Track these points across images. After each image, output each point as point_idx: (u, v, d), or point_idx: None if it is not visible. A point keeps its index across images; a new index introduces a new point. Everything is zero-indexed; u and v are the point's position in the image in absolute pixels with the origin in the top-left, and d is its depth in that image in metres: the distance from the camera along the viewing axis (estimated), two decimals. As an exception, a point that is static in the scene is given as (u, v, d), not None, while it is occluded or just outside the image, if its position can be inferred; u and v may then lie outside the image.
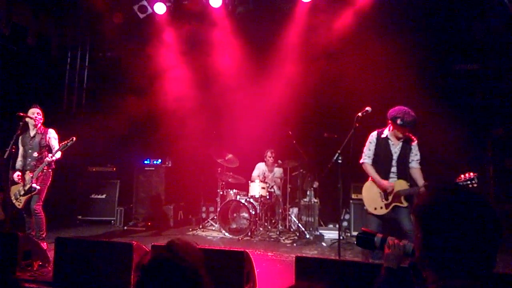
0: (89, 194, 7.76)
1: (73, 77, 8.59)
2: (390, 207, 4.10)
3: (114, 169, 8.04)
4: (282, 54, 7.47)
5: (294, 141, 6.54)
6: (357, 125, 4.21)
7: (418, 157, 4.29)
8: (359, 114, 4.25)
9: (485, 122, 7.08)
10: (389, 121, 4.18)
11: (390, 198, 4.13)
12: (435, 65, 7.18)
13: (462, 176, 3.73)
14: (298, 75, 7.11)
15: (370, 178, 4.35)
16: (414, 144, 4.28)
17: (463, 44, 7.06)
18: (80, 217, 7.65)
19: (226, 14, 7.66)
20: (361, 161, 4.40)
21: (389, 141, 4.28)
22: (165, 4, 7.54)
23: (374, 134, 4.39)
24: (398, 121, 4.04)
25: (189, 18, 7.77)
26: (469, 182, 3.68)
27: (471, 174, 3.67)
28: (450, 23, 6.94)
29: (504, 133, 6.80)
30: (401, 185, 4.13)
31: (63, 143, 4.96)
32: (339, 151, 4.30)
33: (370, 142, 4.38)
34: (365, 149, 4.39)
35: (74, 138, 4.88)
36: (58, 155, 5.07)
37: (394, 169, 4.24)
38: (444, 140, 6.35)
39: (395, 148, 4.27)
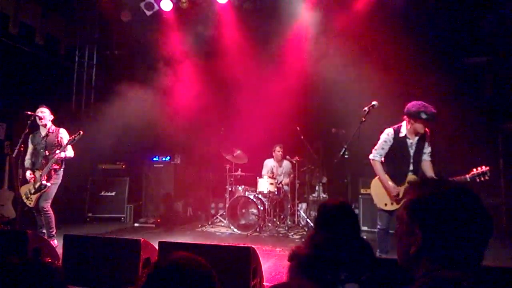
0: (99, 192, 7.84)
1: (82, 76, 8.66)
2: (402, 202, 4.00)
3: (124, 166, 8.10)
4: (290, 49, 7.42)
5: (302, 137, 6.51)
6: (364, 119, 4.19)
7: (429, 149, 4.28)
8: (366, 108, 4.22)
9: (495, 116, 6.95)
10: (409, 117, 4.06)
11: (401, 194, 4.08)
12: (444, 59, 7.06)
13: (475, 170, 3.73)
14: (306, 70, 7.07)
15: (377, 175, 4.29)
16: (427, 137, 4.24)
17: (472, 37, 6.93)
18: (90, 214, 7.73)
19: (232, 9, 7.65)
20: (371, 156, 4.31)
21: (408, 140, 4.18)
22: (172, 1, 7.55)
23: (391, 133, 4.24)
24: (423, 116, 3.90)
25: (196, 14, 7.76)
26: (481, 175, 3.70)
27: (484, 167, 3.66)
28: (459, 16, 6.82)
29: (514, 127, 6.68)
30: (413, 180, 4.07)
31: (70, 137, 5.00)
32: (345, 146, 4.28)
33: (385, 141, 4.24)
34: (378, 147, 4.28)
35: (82, 132, 4.92)
36: (70, 153, 5.12)
37: (411, 167, 4.19)
38: (455, 134, 6.27)
39: (413, 146, 4.19)
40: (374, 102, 4.23)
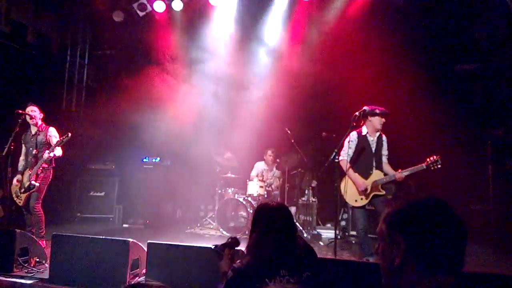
0: (88, 192, 7.79)
1: (73, 75, 8.61)
2: (370, 197, 4.51)
3: (113, 166, 8.06)
4: (282, 53, 7.47)
5: (293, 141, 6.54)
6: (355, 124, 4.29)
7: (387, 152, 4.77)
8: (357, 113, 4.31)
9: (485, 122, 7.06)
10: (368, 116, 4.58)
11: (368, 188, 4.51)
12: (435, 65, 7.16)
13: (429, 159, 4.27)
14: (297, 74, 7.10)
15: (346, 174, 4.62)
16: (384, 138, 4.74)
17: (463, 44, 7.03)
18: (79, 214, 7.68)
19: (224, 10, 7.67)
20: (340, 158, 4.56)
21: (369, 137, 4.65)
22: (165, 2, 7.56)
23: (354, 134, 4.66)
24: (377, 111, 4.56)
25: (189, 15, 7.78)
26: (434, 164, 4.23)
27: (435, 157, 4.24)
28: (450, 23, 6.92)
29: (503, 134, 6.78)
30: (378, 175, 4.56)
31: (59, 139, 4.99)
32: (336, 150, 4.35)
33: (351, 141, 4.62)
34: (345, 148, 4.63)
35: (70, 134, 4.90)
36: (59, 152, 5.09)
37: (374, 163, 4.63)
38: (444, 139, 6.35)
39: (373, 143, 4.66)
40: (365, 107, 4.32)
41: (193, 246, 3.66)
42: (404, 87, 6.38)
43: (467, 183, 6.37)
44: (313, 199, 6.95)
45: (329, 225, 7.24)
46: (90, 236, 3.97)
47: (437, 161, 4.21)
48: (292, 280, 1.98)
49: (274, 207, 2.18)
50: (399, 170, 4.49)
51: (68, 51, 8.52)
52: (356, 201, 4.55)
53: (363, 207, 4.56)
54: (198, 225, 7.21)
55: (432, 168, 4.27)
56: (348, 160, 4.62)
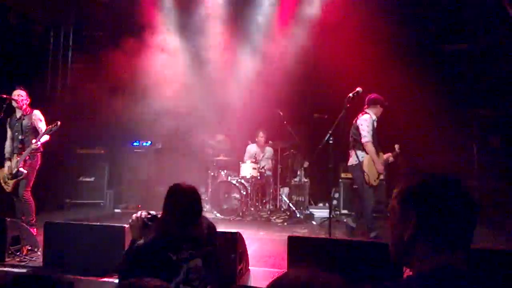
0: (78, 177, 7.67)
1: (57, 57, 8.32)
2: (380, 176, 5.01)
3: (103, 151, 7.93)
4: (273, 34, 7.36)
5: (285, 122, 6.54)
6: (348, 105, 4.28)
7: None
8: (350, 95, 4.31)
9: (471, 102, 7.17)
10: (377, 104, 4.93)
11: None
12: (424, 45, 7.19)
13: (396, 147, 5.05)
14: (289, 56, 7.04)
15: (368, 155, 4.85)
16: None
17: (452, 24, 7.05)
18: (68, 200, 7.58)
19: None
20: (366, 139, 4.81)
21: (375, 122, 4.95)
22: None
23: (369, 116, 4.92)
24: (380, 104, 4.93)
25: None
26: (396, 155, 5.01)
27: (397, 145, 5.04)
28: (440, 4, 6.91)
29: (489, 113, 6.91)
30: (382, 158, 5.00)
31: (47, 128, 4.85)
32: (330, 132, 4.36)
33: (372, 123, 4.88)
34: (369, 130, 4.83)
35: (59, 123, 4.76)
36: (45, 138, 4.96)
37: (378, 145, 4.96)
38: (433, 118, 6.44)
39: (375, 127, 4.98)
40: (358, 89, 4.31)
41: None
42: (394, 67, 6.40)
43: (454, 160, 6.50)
44: (305, 180, 7.02)
45: (320, 204, 7.35)
46: (85, 224, 3.93)
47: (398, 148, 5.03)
48: (194, 254, 2.20)
49: (183, 189, 2.35)
50: (390, 154, 5.07)
51: (51, 33, 8.20)
52: (374, 181, 4.89)
53: (375, 186, 4.94)
54: (191, 208, 7.21)
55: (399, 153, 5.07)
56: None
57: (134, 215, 2.39)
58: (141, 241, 2.25)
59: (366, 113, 4.91)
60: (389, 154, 5.06)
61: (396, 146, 5.12)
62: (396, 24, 6.77)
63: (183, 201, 2.30)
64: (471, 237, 1.15)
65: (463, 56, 7.26)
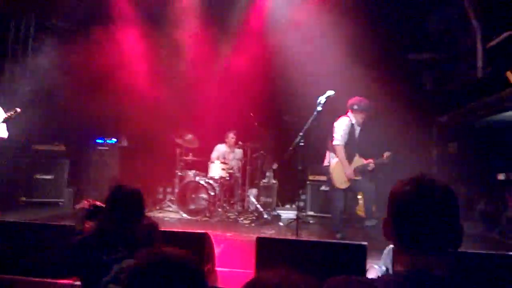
0: (34, 174, 7.26)
1: (17, 48, 7.86)
2: (350, 180, 4.99)
3: (63, 147, 7.57)
4: (245, 35, 7.35)
5: (256, 123, 6.55)
6: (320, 109, 4.34)
7: None
8: (321, 98, 4.36)
9: (432, 109, 7.51)
10: (358, 110, 4.94)
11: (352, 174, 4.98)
12: (390, 53, 7.43)
13: (385, 154, 5.00)
14: (261, 57, 7.05)
15: (337, 159, 4.92)
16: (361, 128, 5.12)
17: (417, 34, 7.34)
18: (24, 198, 7.16)
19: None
20: (337, 142, 4.90)
21: (355, 126, 4.98)
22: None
23: (347, 120, 4.99)
24: (355, 107, 4.94)
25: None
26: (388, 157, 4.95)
27: (388, 152, 5.00)
28: (406, 14, 7.17)
29: (448, 120, 7.26)
30: (358, 162, 5.02)
31: (5, 115, 4.55)
32: (301, 134, 4.39)
33: (347, 127, 4.92)
34: (342, 133, 4.91)
35: (19, 110, 4.50)
36: (3, 133, 4.65)
37: (356, 151, 5.00)
38: (395, 125, 6.66)
39: (357, 133, 5.01)
40: (330, 92, 4.38)
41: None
42: (362, 72, 6.56)
43: (414, 165, 6.77)
44: (274, 181, 7.06)
45: (287, 206, 7.42)
46: (37, 223, 3.72)
47: (390, 156, 5.02)
48: (128, 255, 2.17)
49: (125, 191, 2.37)
50: (371, 160, 5.02)
51: (12, 22, 7.73)
52: (341, 183, 4.96)
53: (344, 189, 5.00)
54: (157, 208, 7.05)
55: (388, 161, 5.06)
56: (343, 145, 4.93)
57: (78, 205, 2.37)
58: (77, 237, 2.29)
59: (346, 116, 4.99)
60: (371, 160, 5.03)
61: (386, 154, 5.06)
62: (364, 33, 6.95)
63: (123, 202, 2.32)
64: (448, 242, 1.15)
65: (426, 65, 7.58)
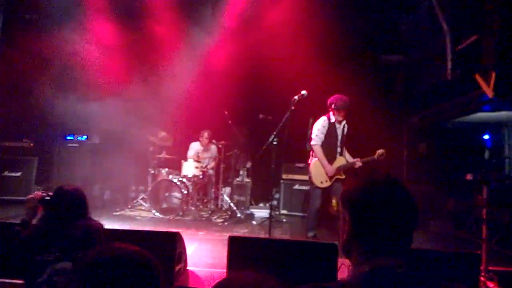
0: (2, 172, 7.01)
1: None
2: (333, 179, 4.91)
3: (31, 144, 7.32)
4: (219, 33, 7.31)
5: (230, 121, 6.53)
6: (294, 108, 4.37)
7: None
8: (295, 97, 4.41)
9: (403, 110, 7.71)
10: (336, 108, 4.86)
11: (333, 172, 4.91)
12: (362, 54, 7.58)
13: (377, 152, 4.86)
14: (235, 56, 7.03)
15: (316, 158, 4.89)
16: (347, 126, 5.06)
17: (389, 36, 7.50)
18: (-12, 196, 6.89)
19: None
20: (313, 142, 4.88)
21: (336, 124, 4.93)
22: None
23: (325, 119, 4.93)
24: (333, 106, 4.86)
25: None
26: (381, 155, 4.83)
27: (381, 150, 4.86)
28: (378, 15, 7.32)
29: (418, 121, 7.48)
30: (341, 161, 4.96)
31: None
32: (274, 133, 4.43)
33: (323, 126, 4.89)
34: (318, 132, 4.88)
35: None
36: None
37: (338, 149, 4.98)
38: (367, 125, 6.80)
39: (338, 131, 4.96)
40: (303, 92, 4.42)
41: (127, 230, 3.50)
42: (336, 73, 6.66)
43: (384, 165, 6.93)
44: (247, 180, 7.07)
45: (261, 204, 7.44)
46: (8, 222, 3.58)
47: (383, 154, 4.84)
48: (62, 256, 2.21)
49: (65, 191, 2.40)
50: (358, 159, 4.96)
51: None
52: (321, 182, 4.89)
53: (323, 188, 4.92)
54: (129, 206, 6.92)
55: (378, 159, 4.86)
56: (320, 145, 4.88)
57: (29, 195, 2.40)
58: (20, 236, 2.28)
59: (325, 115, 4.96)
60: (358, 159, 4.96)
61: (378, 152, 4.87)
62: (338, 31, 7.03)
63: (62, 203, 2.32)
64: (409, 242, 1.15)
65: (397, 67, 7.77)
